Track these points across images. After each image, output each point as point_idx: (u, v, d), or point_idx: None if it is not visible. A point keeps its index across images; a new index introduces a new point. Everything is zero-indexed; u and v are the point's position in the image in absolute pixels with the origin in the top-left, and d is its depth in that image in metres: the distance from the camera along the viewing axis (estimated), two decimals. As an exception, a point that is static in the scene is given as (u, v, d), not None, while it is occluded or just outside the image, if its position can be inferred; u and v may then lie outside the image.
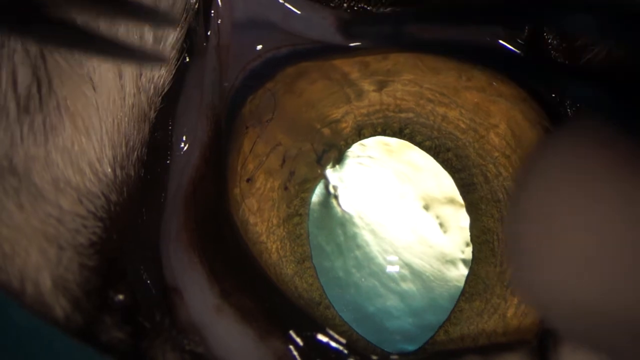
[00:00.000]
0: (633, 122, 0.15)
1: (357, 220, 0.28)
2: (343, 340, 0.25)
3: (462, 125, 0.27)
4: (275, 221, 0.28)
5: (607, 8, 0.16)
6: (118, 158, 0.24)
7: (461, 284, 0.27)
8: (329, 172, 0.28)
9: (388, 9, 0.28)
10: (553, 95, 0.27)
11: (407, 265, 0.27)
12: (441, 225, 0.28)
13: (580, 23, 0.17)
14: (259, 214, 0.28)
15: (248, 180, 0.27)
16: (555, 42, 0.27)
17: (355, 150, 0.28)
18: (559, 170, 0.17)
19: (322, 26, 0.27)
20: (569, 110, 0.27)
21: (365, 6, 0.28)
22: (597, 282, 0.17)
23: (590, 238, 0.16)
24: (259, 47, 0.27)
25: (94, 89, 0.23)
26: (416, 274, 0.27)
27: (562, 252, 0.17)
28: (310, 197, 0.28)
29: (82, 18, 0.20)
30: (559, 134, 0.18)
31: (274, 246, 0.28)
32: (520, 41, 0.27)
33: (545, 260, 0.17)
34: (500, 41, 0.27)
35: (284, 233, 0.28)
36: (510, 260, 0.19)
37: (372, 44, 0.27)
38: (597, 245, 0.16)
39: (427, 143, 0.28)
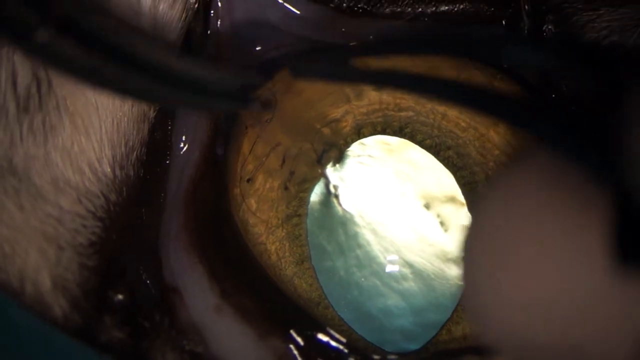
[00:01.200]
0: (582, 156, 0.15)
1: (357, 219, 0.28)
2: (343, 340, 0.25)
3: (462, 124, 0.27)
4: (274, 222, 0.28)
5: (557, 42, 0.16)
6: (117, 158, 0.24)
7: (462, 282, 0.27)
8: (330, 171, 0.28)
9: (387, 10, 0.28)
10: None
11: (408, 264, 0.27)
12: (442, 223, 0.28)
13: (534, 57, 0.17)
14: (259, 215, 0.28)
15: (248, 180, 0.27)
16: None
17: (356, 150, 0.28)
18: (509, 204, 0.17)
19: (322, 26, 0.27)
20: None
21: (365, 7, 0.28)
22: (543, 317, 0.16)
23: (537, 272, 0.16)
24: (259, 47, 0.27)
25: (93, 88, 0.23)
26: (417, 272, 0.27)
27: (511, 286, 0.17)
28: (309, 197, 0.27)
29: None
30: (511, 166, 0.18)
31: (273, 247, 0.27)
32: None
33: (495, 294, 0.17)
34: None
35: (284, 234, 0.28)
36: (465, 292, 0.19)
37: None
38: (541, 280, 0.16)
39: (428, 142, 0.28)
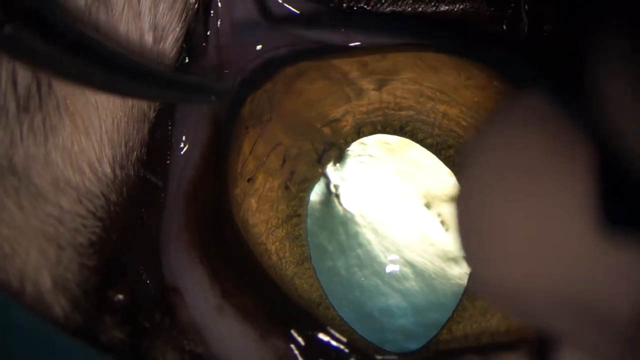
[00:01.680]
0: (567, 98, 0.15)
1: (358, 219, 0.28)
2: (344, 339, 0.25)
3: (463, 123, 0.27)
4: (274, 222, 0.28)
5: None
6: (117, 158, 0.24)
7: (463, 281, 0.27)
8: (330, 171, 0.28)
9: (387, 9, 0.28)
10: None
11: (409, 264, 0.27)
12: (442, 223, 0.27)
13: None
14: (259, 215, 0.27)
15: (249, 180, 0.27)
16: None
17: (356, 149, 0.28)
18: (501, 151, 0.17)
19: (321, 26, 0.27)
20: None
21: (365, 6, 0.28)
22: (538, 269, 0.16)
23: (531, 221, 0.16)
24: (259, 47, 0.27)
25: (93, 88, 0.23)
26: (418, 272, 0.27)
27: (506, 238, 0.17)
28: (308, 197, 0.27)
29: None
30: (500, 114, 0.18)
31: (274, 247, 0.27)
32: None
33: (493, 249, 0.17)
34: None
35: (284, 234, 0.28)
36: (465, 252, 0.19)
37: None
38: (536, 228, 0.16)
39: (429, 140, 0.28)
